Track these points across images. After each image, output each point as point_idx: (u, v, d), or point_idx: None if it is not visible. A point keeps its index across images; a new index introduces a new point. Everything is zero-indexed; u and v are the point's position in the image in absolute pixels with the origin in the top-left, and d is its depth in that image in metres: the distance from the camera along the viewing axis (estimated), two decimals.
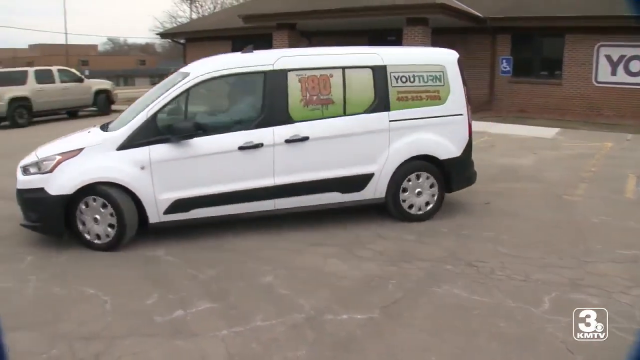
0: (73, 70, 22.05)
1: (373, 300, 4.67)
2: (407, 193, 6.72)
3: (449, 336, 4.12)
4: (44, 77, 19.00)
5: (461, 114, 6.85)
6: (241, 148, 6.09)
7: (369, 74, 6.54)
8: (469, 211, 7.21)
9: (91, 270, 5.48)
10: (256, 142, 6.12)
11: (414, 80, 6.64)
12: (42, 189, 5.92)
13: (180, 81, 6.22)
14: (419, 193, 6.74)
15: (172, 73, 7.30)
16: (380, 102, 6.54)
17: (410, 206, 6.75)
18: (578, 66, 17.54)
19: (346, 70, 6.47)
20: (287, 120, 6.24)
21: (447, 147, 6.78)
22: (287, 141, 6.20)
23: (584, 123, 15.79)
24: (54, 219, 5.92)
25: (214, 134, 6.16)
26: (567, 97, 17.73)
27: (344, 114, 6.45)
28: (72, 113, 20.45)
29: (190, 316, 4.45)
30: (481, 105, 18.98)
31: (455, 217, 6.92)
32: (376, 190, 6.61)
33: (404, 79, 6.61)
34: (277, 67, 6.28)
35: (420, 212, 6.79)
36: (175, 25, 41.20)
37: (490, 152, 11.49)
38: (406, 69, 6.64)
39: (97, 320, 4.42)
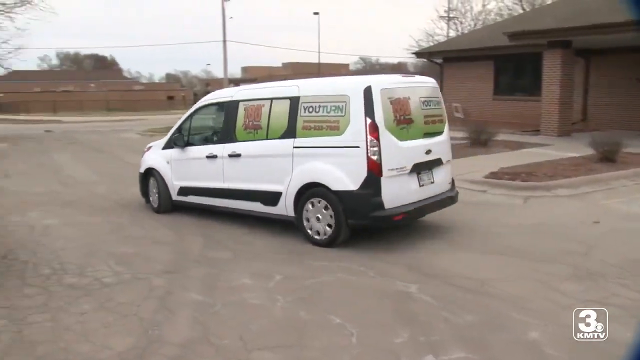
0: None
1: None
2: (309, 216, 7.06)
3: None
4: None
5: (357, 147, 6.59)
6: (207, 157, 8.24)
7: (287, 104, 7.31)
8: None
9: (338, 298, 5.29)
10: (214, 153, 8.14)
11: (318, 110, 6.97)
12: (139, 167, 9.61)
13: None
14: (318, 219, 6.99)
15: None
16: (289, 130, 7.21)
17: (313, 230, 7.04)
18: None
19: (273, 101, 7.52)
20: (233, 139, 7.92)
21: (339, 179, 6.77)
22: (229, 155, 7.91)
23: None
24: (142, 188, 9.55)
25: (198, 145, 8.62)
26: None
27: (267, 138, 7.51)
28: None
29: None
30: None
31: None
32: (286, 208, 7.30)
33: (310, 109, 7.04)
34: (235, 98, 8.07)
35: (320, 238, 6.99)
36: (431, 44, 40.44)
37: None
38: (314, 100, 7.05)
39: (342, 352, 4.19)
